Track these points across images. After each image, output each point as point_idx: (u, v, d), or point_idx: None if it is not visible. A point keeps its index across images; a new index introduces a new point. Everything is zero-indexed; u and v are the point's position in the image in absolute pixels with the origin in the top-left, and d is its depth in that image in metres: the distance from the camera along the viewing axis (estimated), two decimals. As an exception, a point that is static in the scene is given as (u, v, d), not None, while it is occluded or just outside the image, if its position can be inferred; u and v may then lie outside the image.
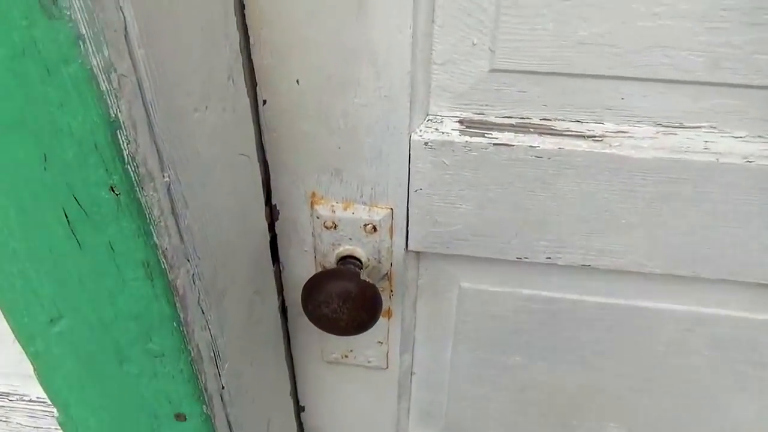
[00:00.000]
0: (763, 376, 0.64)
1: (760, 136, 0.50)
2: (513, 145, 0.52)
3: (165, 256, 0.39)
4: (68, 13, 0.29)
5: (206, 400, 0.48)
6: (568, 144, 0.52)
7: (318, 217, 0.58)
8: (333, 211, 0.58)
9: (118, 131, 0.33)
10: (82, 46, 0.30)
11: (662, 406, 0.70)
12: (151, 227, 0.37)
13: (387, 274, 0.62)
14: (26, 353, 0.46)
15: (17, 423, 0.62)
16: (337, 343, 0.69)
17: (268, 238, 0.60)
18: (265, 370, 0.62)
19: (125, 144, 0.33)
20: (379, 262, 0.61)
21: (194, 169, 0.41)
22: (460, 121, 0.53)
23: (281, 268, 0.64)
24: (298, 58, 0.50)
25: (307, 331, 0.70)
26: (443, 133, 0.53)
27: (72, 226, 0.37)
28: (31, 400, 0.61)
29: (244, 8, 0.48)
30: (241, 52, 0.48)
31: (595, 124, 0.52)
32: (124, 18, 0.31)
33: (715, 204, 0.52)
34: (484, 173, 0.54)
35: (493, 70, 0.50)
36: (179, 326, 0.43)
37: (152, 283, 0.40)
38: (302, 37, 0.49)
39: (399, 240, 0.59)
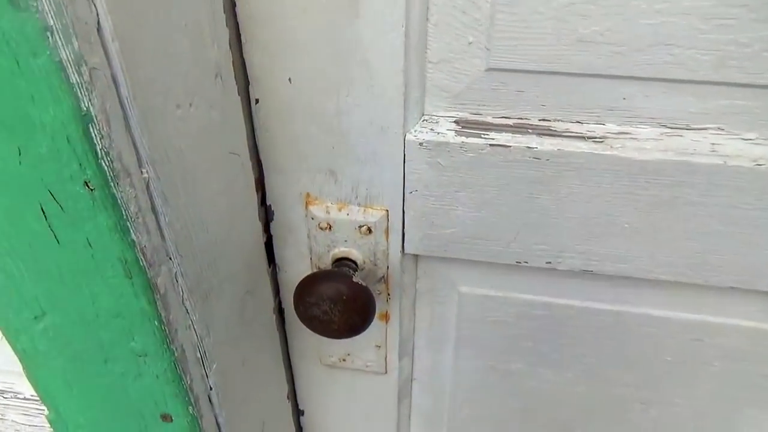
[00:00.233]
0: (776, 390, 0.61)
1: (770, 139, 0.48)
2: (510, 146, 0.50)
3: (144, 254, 0.38)
4: (35, 4, 0.28)
5: (192, 401, 0.48)
6: (568, 145, 0.50)
7: (312, 218, 0.58)
8: (328, 212, 0.57)
9: (90, 125, 0.32)
10: (50, 38, 0.29)
11: (669, 418, 0.67)
12: (128, 223, 0.37)
13: (384, 276, 0.61)
14: (14, 350, 0.46)
15: (12, 420, 0.62)
16: (335, 347, 0.68)
17: (263, 239, 0.59)
18: (259, 372, 0.61)
19: (98, 138, 0.33)
20: (375, 265, 0.60)
21: (176, 166, 0.40)
22: (456, 122, 0.52)
23: (277, 270, 0.64)
24: (290, 57, 0.49)
25: (304, 334, 0.69)
26: (439, 133, 0.51)
27: (49, 221, 0.36)
28: (25, 398, 0.61)
29: (235, 6, 0.47)
30: (232, 50, 0.48)
31: (596, 125, 0.50)
32: (96, 11, 0.31)
33: (723, 209, 0.50)
34: (480, 175, 0.52)
35: (489, 69, 0.49)
36: (161, 325, 0.42)
37: (131, 281, 0.39)
38: (294, 36, 0.48)
39: (395, 242, 0.58)
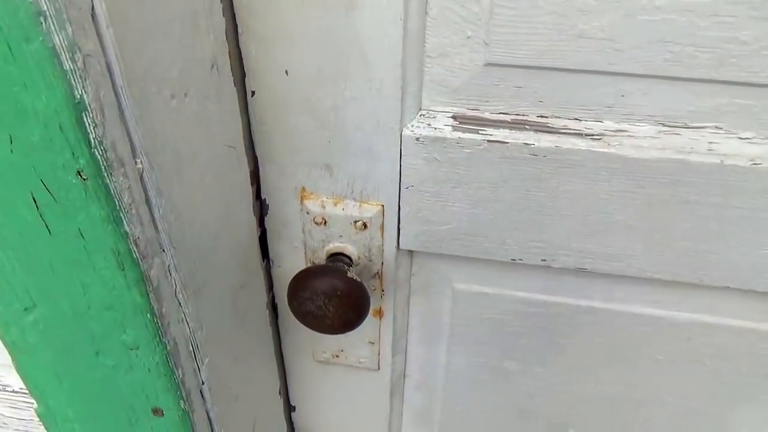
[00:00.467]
0: (767, 387, 0.61)
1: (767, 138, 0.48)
2: (508, 143, 0.50)
3: (137, 245, 0.38)
4: (28, -12, 0.28)
5: (184, 395, 0.47)
6: (565, 142, 0.50)
7: (307, 213, 0.57)
8: (323, 207, 0.57)
9: (83, 113, 0.32)
10: (43, 24, 0.29)
11: (661, 416, 0.67)
12: (121, 214, 0.36)
13: (378, 272, 0.60)
14: (3, 342, 0.45)
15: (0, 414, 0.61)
16: (328, 343, 0.68)
17: (258, 233, 0.59)
18: (251, 368, 0.61)
19: (92, 127, 0.32)
20: (370, 260, 0.59)
21: (171, 157, 0.40)
22: (454, 117, 0.51)
23: (271, 264, 0.63)
24: (286, 49, 0.49)
25: (297, 329, 0.68)
26: (436, 128, 0.51)
27: (41, 212, 0.36)
28: (13, 391, 0.60)
29: (232, -5, 0.47)
30: (228, 41, 0.47)
31: (594, 123, 0.50)
32: (91, -4, 0.30)
33: (720, 208, 0.50)
34: (477, 171, 0.52)
35: (488, 64, 0.48)
36: (153, 318, 0.41)
37: (124, 273, 0.38)
38: (291, 28, 0.48)
39: (390, 238, 0.58)
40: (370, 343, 0.67)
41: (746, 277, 0.53)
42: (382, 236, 0.58)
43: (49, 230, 0.37)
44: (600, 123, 0.50)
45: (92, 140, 0.33)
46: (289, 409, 0.78)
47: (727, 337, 0.59)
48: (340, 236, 0.58)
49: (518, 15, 0.45)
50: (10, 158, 0.34)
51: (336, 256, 0.59)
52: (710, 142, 0.49)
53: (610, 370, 0.65)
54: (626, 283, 0.58)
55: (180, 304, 0.44)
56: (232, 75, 0.48)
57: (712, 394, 0.63)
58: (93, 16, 0.31)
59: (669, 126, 0.49)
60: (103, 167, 0.34)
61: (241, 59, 0.50)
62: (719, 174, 0.48)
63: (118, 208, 0.36)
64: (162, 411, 0.48)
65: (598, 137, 0.50)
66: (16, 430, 0.65)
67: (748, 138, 0.48)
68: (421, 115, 0.52)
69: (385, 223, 0.57)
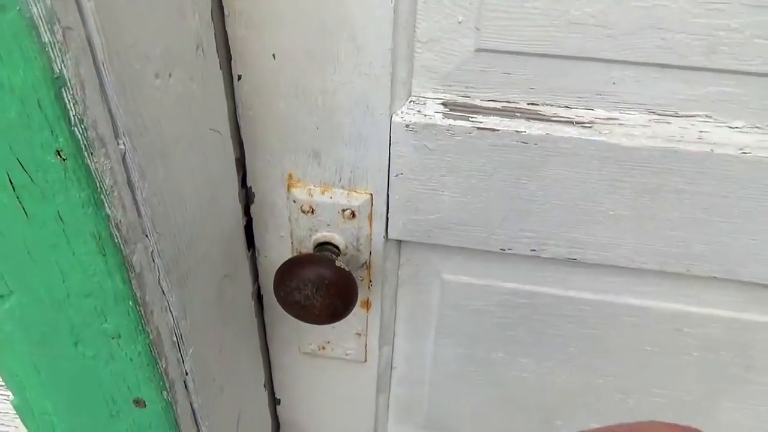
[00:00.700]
0: (753, 379, 0.62)
1: (757, 127, 0.48)
2: (498, 130, 0.50)
3: (119, 230, 0.36)
4: (4, -46, 0.26)
5: (167, 386, 0.46)
6: (556, 130, 0.49)
7: (294, 201, 0.56)
8: (310, 195, 0.56)
9: (63, 89, 0.30)
10: (20, -8, 0.27)
11: (649, 407, 0.67)
12: (102, 197, 0.35)
13: (366, 262, 0.59)
14: (-24, 331, 0.44)
15: (-25, 406, 0.59)
16: (314, 334, 0.67)
17: (243, 222, 0.58)
18: (236, 359, 0.60)
19: (72, 104, 0.31)
20: (358, 250, 0.58)
21: (154, 139, 0.38)
22: (444, 104, 0.51)
23: (257, 254, 0.62)
24: (274, 32, 0.47)
25: (283, 321, 0.67)
26: (426, 115, 0.50)
27: (17, 193, 0.34)
28: (-12, 383, 0.58)
29: (218, -25, 0.46)
30: (214, 23, 0.46)
31: (585, 110, 0.50)
32: (71, -34, 0.29)
33: (709, 197, 0.50)
34: (467, 159, 0.51)
35: (478, 50, 0.48)
36: (136, 306, 0.40)
37: (105, 258, 0.37)
38: (279, 9, 0.46)
39: (378, 227, 0.57)
40: (357, 334, 0.66)
41: (733, 266, 0.54)
42: (371, 225, 0.57)
43: (26, 213, 0.35)
44: (591, 111, 0.50)
45: (72, 118, 0.31)
46: (274, 402, 0.77)
47: (713, 327, 0.59)
48: (328, 225, 0.57)
49: (510, 0, 0.45)
50: (-16, 136, 0.32)
51: (323, 246, 0.58)
52: (700, 131, 0.48)
53: (597, 360, 0.65)
54: (614, 274, 0.58)
55: (163, 291, 0.43)
56: (218, 57, 0.47)
57: (699, 385, 0.64)
58: (73, -14, 0.29)
59: (659, 114, 0.49)
60: (83, 147, 0.32)
61: (227, 42, 0.49)
62: (709, 163, 0.48)
63: (99, 190, 0.34)
64: (144, 402, 0.46)
65: (589, 125, 0.49)
66: (-9, 424, 0.63)
67: (738, 127, 0.48)
68: (410, 102, 0.51)
69: (374, 212, 0.56)
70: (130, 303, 0.40)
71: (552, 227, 0.54)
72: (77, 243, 0.36)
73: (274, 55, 0.49)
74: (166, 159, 0.40)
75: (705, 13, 0.43)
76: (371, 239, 0.58)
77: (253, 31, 0.48)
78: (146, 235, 0.40)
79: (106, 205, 0.35)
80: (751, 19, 0.43)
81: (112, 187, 0.35)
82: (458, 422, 0.75)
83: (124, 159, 0.36)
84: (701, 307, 0.59)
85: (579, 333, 0.63)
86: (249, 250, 0.60)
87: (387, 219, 0.57)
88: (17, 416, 0.49)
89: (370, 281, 0.61)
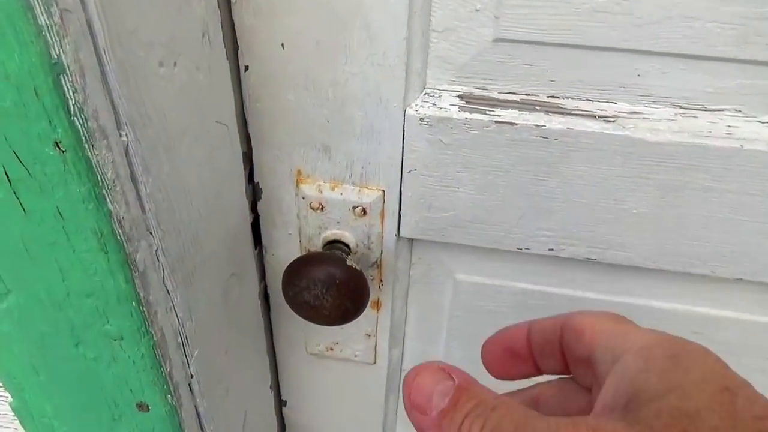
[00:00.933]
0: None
1: (789, 122, 0.46)
2: (517, 124, 0.48)
3: (121, 226, 0.35)
4: (-3, -72, 0.24)
5: (171, 389, 0.44)
6: (578, 124, 0.47)
7: (303, 198, 0.54)
8: (320, 191, 0.54)
9: (61, 76, 0.28)
10: (15, -30, 0.25)
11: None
12: (104, 192, 0.33)
13: (377, 261, 0.57)
14: (-27, 332, 0.42)
15: (-27, 408, 0.58)
16: (322, 335, 0.65)
17: (250, 219, 0.56)
18: (242, 360, 0.58)
19: (71, 92, 0.29)
20: (369, 249, 0.56)
21: (158, 130, 0.37)
22: (460, 96, 0.49)
23: (264, 252, 0.60)
24: (283, 20, 0.45)
25: (290, 321, 0.65)
26: (441, 108, 0.48)
27: (14, 188, 0.32)
28: (-13, 384, 0.57)
29: (225, -39, 0.44)
30: (221, 11, 0.44)
31: (608, 104, 0.48)
32: (69, -57, 0.27)
33: (737, 195, 0.48)
34: (484, 154, 0.49)
35: (497, 40, 0.46)
36: (139, 307, 0.38)
37: (107, 256, 0.35)
38: (289, -4, 0.44)
39: (390, 225, 0.55)
40: (367, 335, 0.64)
41: (760, 268, 0.51)
42: (382, 223, 0.55)
43: (23, 208, 0.33)
44: (614, 104, 0.48)
45: (71, 107, 0.29)
46: (280, 403, 0.75)
47: (735, 330, 0.57)
48: (338, 223, 0.55)
49: (532, -13, 0.43)
50: (-22, 127, 0.30)
51: (333, 244, 0.56)
52: (729, 126, 0.46)
53: (614, 364, 0.62)
54: (635, 275, 0.56)
55: (168, 291, 0.41)
56: (225, 47, 0.45)
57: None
58: (72, -34, 0.28)
59: (686, 108, 0.47)
60: (83, 138, 0.30)
61: (233, 31, 0.47)
62: (738, 159, 0.46)
63: (100, 184, 0.32)
64: (147, 406, 0.44)
65: (612, 119, 0.47)
66: (-10, 425, 0.61)
67: (768, 121, 0.46)
68: (425, 94, 0.49)
69: (386, 209, 0.54)
70: (134, 303, 0.38)
71: (571, 226, 0.52)
72: (78, 240, 0.34)
73: (282, 45, 0.47)
74: (171, 152, 0.38)
75: (737, 0, 0.41)
76: (383, 237, 0.56)
77: (261, 19, 0.46)
78: (150, 232, 0.38)
79: (108, 200, 0.33)
80: (787, 7, 0.41)
81: (114, 181, 0.33)
82: (469, 425, 0.73)
83: (126, 151, 0.34)
84: (723, 310, 0.57)
85: (596, 335, 0.61)
86: (256, 248, 0.59)
87: (399, 216, 0.55)
88: (15, 419, 0.47)
89: (381, 281, 0.59)
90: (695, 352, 0.25)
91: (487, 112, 0.48)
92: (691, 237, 0.51)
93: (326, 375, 0.71)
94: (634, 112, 0.47)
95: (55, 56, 0.28)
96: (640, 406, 0.23)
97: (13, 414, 0.48)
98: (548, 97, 0.48)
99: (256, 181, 0.55)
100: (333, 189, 0.53)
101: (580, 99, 0.48)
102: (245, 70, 0.48)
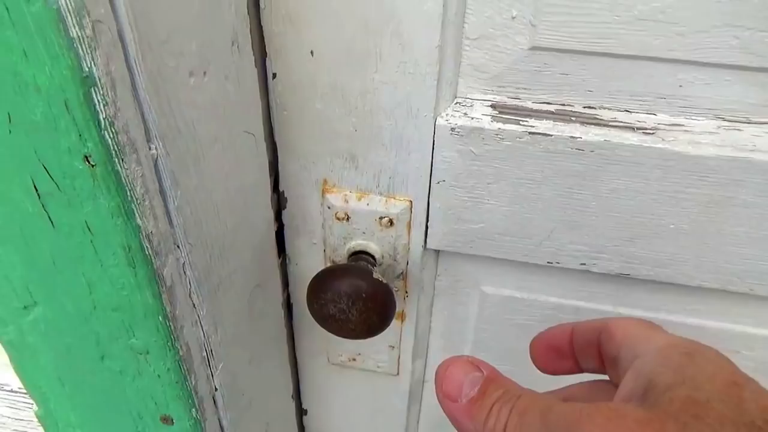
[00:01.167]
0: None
1: (839, 136, 0.44)
2: (552, 135, 0.46)
3: (149, 241, 0.34)
4: (31, -61, 0.24)
5: (196, 403, 0.43)
6: (615, 136, 0.45)
7: (329, 207, 0.53)
8: (346, 201, 0.53)
9: (92, 89, 0.28)
10: (47, -18, 0.25)
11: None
12: (133, 206, 0.32)
13: (402, 273, 0.56)
14: (0, 341, 0.41)
15: (-3, 414, 0.58)
16: (345, 345, 0.64)
17: (274, 228, 0.55)
18: (264, 371, 0.57)
19: (102, 105, 0.28)
20: (395, 260, 0.55)
21: (187, 143, 0.36)
22: (493, 106, 0.47)
23: (287, 262, 0.59)
24: (312, 27, 0.44)
25: (312, 331, 0.64)
26: (473, 118, 0.47)
27: (43, 201, 0.32)
28: (12, 390, 0.57)
29: (255, -33, 0.43)
30: (249, 16, 0.43)
31: (647, 115, 0.46)
32: (102, -46, 0.26)
33: (781, 212, 0.46)
34: (517, 166, 0.48)
35: (533, 48, 0.44)
36: (166, 321, 0.38)
37: (134, 270, 0.35)
38: (318, 3, 0.43)
39: (417, 236, 0.54)
40: (390, 347, 0.63)
41: (804, 286, 0.49)
42: (409, 234, 0.54)
43: (52, 222, 0.33)
44: (653, 116, 0.46)
45: (102, 121, 0.28)
46: (301, 412, 0.74)
47: (775, 349, 0.55)
48: (364, 233, 0.54)
49: (571, -6, 0.41)
50: (8, 140, 0.30)
51: (358, 255, 0.55)
52: (775, 139, 0.44)
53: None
54: (669, 291, 0.54)
55: (194, 305, 0.40)
56: (253, 55, 0.44)
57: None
58: (105, -24, 0.27)
59: (729, 120, 0.45)
60: (113, 152, 0.30)
61: (262, 38, 0.46)
62: (783, 174, 0.44)
63: (129, 198, 0.32)
64: (172, 419, 0.44)
65: (651, 131, 0.45)
66: (14, 430, 0.61)
67: (817, 135, 0.44)
68: (456, 104, 0.48)
69: (413, 221, 0.53)
70: (160, 318, 0.37)
71: (605, 240, 0.50)
72: (105, 255, 0.34)
73: (312, 52, 0.46)
74: (199, 164, 0.38)
75: (789, 9, 0.39)
76: (409, 249, 0.55)
77: (290, 27, 0.45)
78: (178, 246, 0.37)
79: (136, 214, 0.32)
80: (843, 17, 0.39)
81: (143, 195, 0.32)
82: (493, 439, 0.72)
83: (156, 165, 0.33)
84: (761, 329, 0.55)
85: (627, 351, 0.59)
86: (279, 258, 0.58)
87: (426, 228, 0.53)
88: (40, 426, 0.47)
89: (406, 292, 0.58)
90: (709, 353, 0.27)
91: (521, 122, 0.47)
92: (731, 254, 0.49)
93: (348, 385, 0.70)
94: (675, 124, 0.45)
95: (87, 69, 0.27)
96: (656, 395, 0.25)
97: (37, 421, 0.48)
98: (584, 107, 0.46)
99: (281, 190, 0.54)
100: (359, 199, 0.52)
101: (618, 110, 0.46)
102: (273, 78, 0.48)
